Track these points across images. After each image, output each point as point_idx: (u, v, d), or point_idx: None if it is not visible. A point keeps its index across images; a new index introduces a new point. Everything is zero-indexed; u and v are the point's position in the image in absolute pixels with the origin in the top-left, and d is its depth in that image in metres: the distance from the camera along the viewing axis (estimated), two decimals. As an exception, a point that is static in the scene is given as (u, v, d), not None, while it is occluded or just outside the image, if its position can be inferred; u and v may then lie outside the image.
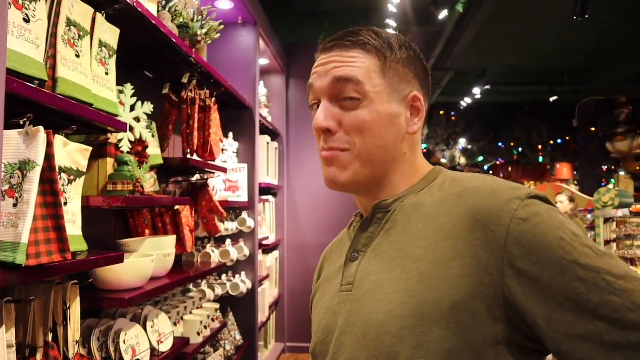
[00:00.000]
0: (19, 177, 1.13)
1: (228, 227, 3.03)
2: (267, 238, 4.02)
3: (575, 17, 4.17)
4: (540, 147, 11.26)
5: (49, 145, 1.15)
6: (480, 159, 11.98)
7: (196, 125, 2.28)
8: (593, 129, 9.52)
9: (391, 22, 4.59)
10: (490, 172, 12.77)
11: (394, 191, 0.81)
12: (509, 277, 0.65)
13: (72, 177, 1.35)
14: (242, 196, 3.31)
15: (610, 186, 10.02)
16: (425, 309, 0.67)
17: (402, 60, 0.80)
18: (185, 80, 2.24)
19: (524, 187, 0.72)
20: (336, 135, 0.78)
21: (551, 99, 7.93)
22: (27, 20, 1.16)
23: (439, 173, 0.82)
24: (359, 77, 0.77)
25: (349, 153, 0.78)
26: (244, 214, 3.30)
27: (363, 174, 0.78)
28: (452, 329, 0.65)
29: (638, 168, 9.67)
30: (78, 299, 1.39)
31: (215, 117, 2.47)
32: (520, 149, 11.35)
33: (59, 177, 1.25)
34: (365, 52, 0.79)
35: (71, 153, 1.33)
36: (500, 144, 11.58)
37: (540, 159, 11.70)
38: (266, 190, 4.22)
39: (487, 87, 7.51)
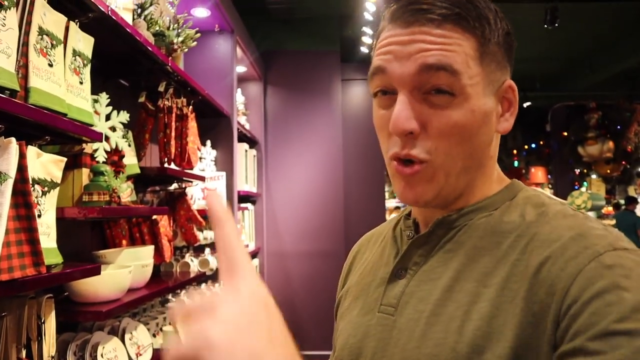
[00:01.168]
0: (-10, 189, 1.10)
1: (207, 235, 3.00)
2: (246, 246, 4.00)
3: (545, 26, 4.27)
4: (515, 151, 11.46)
5: (22, 156, 1.13)
6: (457, 164, 12.14)
7: (173, 133, 2.26)
8: (565, 133, 9.74)
9: (367, 30, 4.63)
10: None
11: (467, 201, 0.66)
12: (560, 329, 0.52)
13: (46, 189, 1.32)
14: (220, 204, 3.28)
15: (583, 189, 10.27)
16: None
17: (499, 39, 0.63)
18: (161, 88, 2.21)
19: (626, 239, 0.57)
20: (418, 139, 0.61)
21: (524, 105, 8.10)
22: (-3, 29, 1.14)
23: (519, 190, 0.67)
24: (456, 66, 0.59)
25: (429, 165, 0.62)
26: (223, 223, 3.28)
27: (448, 187, 0.64)
28: None
29: (609, 171, 9.92)
30: (53, 313, 1.36)
31: (192, 125, 2.45)
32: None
33: (33, 188, 1.22)
34: (462, 30, 0.60)
35: (45, 164, 1.30)
36: (476, 149, 11.77)
37: (516, 163, 11.89)
38: (245, 198, 4.20)
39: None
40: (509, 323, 0.55)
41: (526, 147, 11.39)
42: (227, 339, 0.38)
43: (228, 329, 0.39)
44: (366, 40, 4.78)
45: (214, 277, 3.27)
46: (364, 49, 4.87)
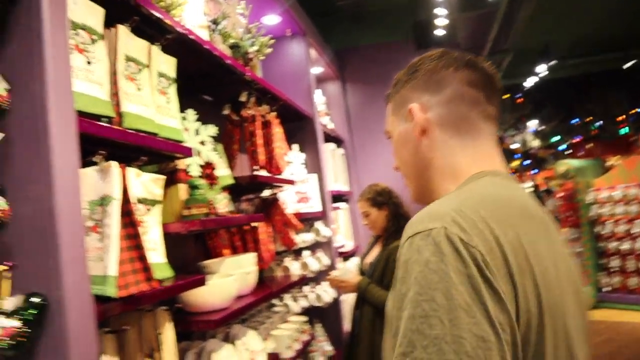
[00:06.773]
0: (100, 212, 1.17)
1: (304, 238, 3.03)
2: (343, 246, 3.99)
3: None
4: (620, 118, 10.48)
5: (123, 178, 1.19)
6: (556, 138, 11.32)
7: (260, 141, 2.30)
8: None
9: (439, 11, 4.47)
10: (566, 152, 12.04)
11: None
12: None
13: (149, 207, 1.38)
14: (314, 206, 3.31)
15: None
16: None
17: (405, 85, 0.89)
18: (243, 98, 2.26)
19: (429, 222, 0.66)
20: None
21: (625, 66, 7.38)
22: (89, 63, 1.21)
23: (468, 183, 0.79)
24: (388, 127, 0.95)
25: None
26: (318, 224, 3.30)
27: (415, 188, 0.90)
28: None
29: None
30: (170, 324, 1.42)
31: (277, 131, 2.48)
32: (598, 123, 10.61)
33: (137, 207, 1.28)
34: (390, 103, 0.94)
35: (145, 183, 1.37)
36: (574, 120, 10.90)
37: (622, 131, 10.88)
38: (337, 197, 4.20)
39: (552, 62, 7.11)
40: None
41: (634, 111, 10.37)
42: None
43: None
44: (439, 22, 4.61)
45: (316, 279, 3.30)
46: (438, 32, 4.70)
